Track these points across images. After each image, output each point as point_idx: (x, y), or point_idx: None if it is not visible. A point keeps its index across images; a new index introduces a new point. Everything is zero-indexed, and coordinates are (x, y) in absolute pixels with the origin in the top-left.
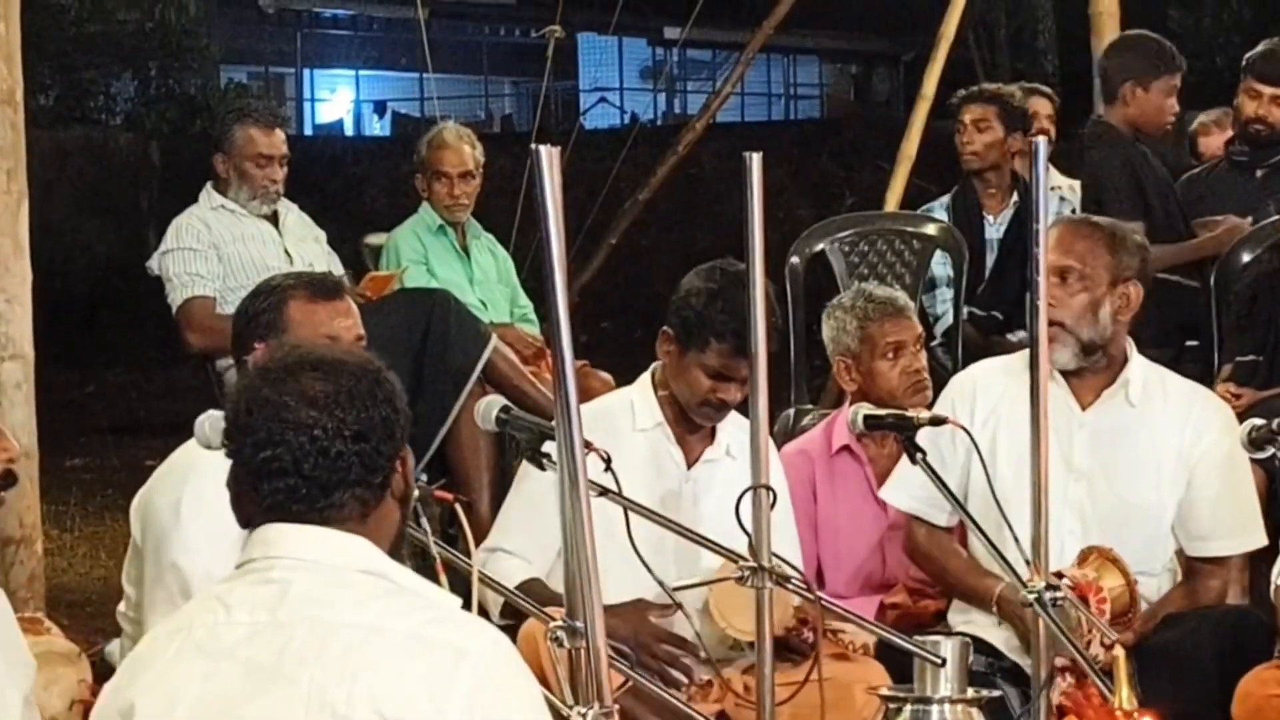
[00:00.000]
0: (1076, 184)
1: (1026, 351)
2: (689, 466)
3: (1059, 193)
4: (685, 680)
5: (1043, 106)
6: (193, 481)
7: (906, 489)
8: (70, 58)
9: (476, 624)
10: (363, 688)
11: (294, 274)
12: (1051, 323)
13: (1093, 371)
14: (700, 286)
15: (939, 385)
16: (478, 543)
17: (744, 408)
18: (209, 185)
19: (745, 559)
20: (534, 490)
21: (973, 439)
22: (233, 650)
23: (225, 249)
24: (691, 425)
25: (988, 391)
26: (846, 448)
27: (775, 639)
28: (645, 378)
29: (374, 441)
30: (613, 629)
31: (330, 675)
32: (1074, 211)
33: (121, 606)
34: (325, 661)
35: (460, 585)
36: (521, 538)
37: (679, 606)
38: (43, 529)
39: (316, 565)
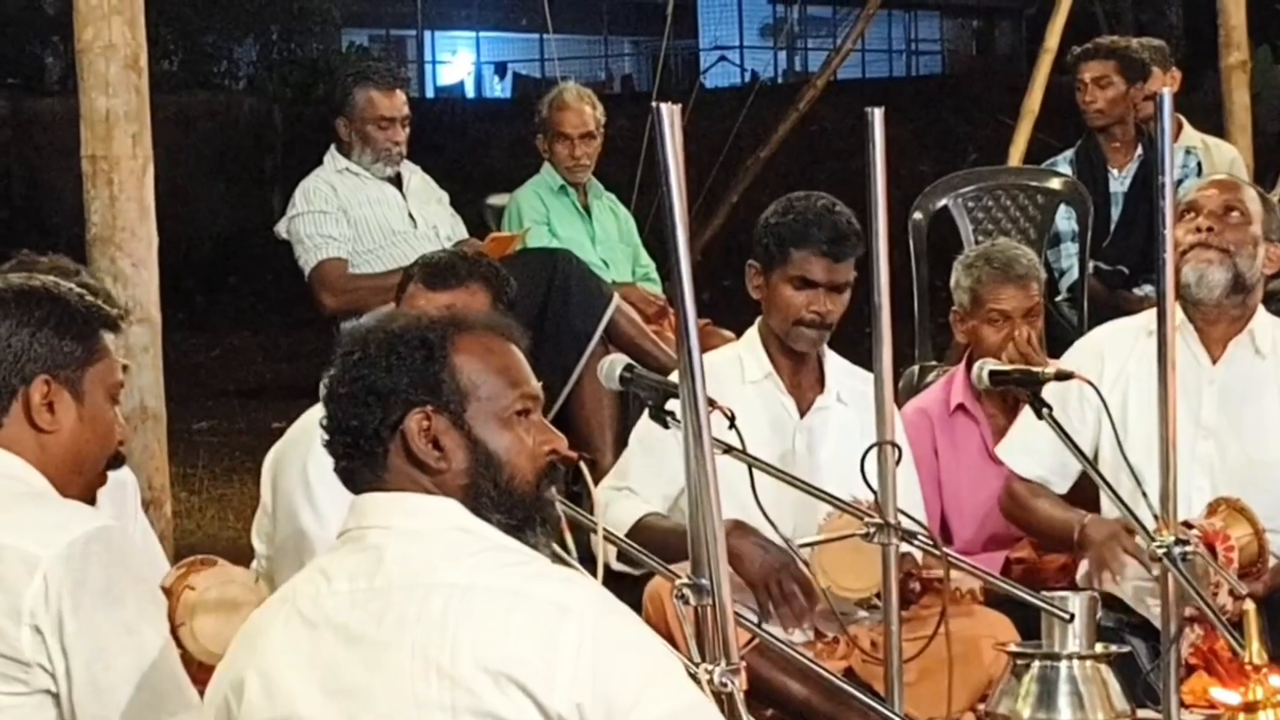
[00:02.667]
0: (1209, 140)
1: (1154, 310)
2: (801, 415)
3: (1188, 148)
4: (797, 624)
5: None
6: (318, 445)
7: (1031, 454)
8: (193, 23)
9: (574, 578)
10: (465, 644)
11: (427, 257)
12: (1212, 247)
13: (1227, 318)
14: (772, 210)
15: (1065, 339)
16: None
17: (865, 361)
18: (333, 149)
19: (868, 512)
20: (654, 438)
21: (1101, 396)
22: (334, 618)
23: (352, 212)
24: (802, 373)
25: (1116, 352)
26: (962, 406)
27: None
28: (752, 330)
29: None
30: (750, 555)
31: (432, 635)
32: (1200, 166)
33: (254, 564)
34: (426, 622)
35: (585, 542)
36: (642, 479)
37: (804, 563)
38: (171, 491)
39: (407, 530)
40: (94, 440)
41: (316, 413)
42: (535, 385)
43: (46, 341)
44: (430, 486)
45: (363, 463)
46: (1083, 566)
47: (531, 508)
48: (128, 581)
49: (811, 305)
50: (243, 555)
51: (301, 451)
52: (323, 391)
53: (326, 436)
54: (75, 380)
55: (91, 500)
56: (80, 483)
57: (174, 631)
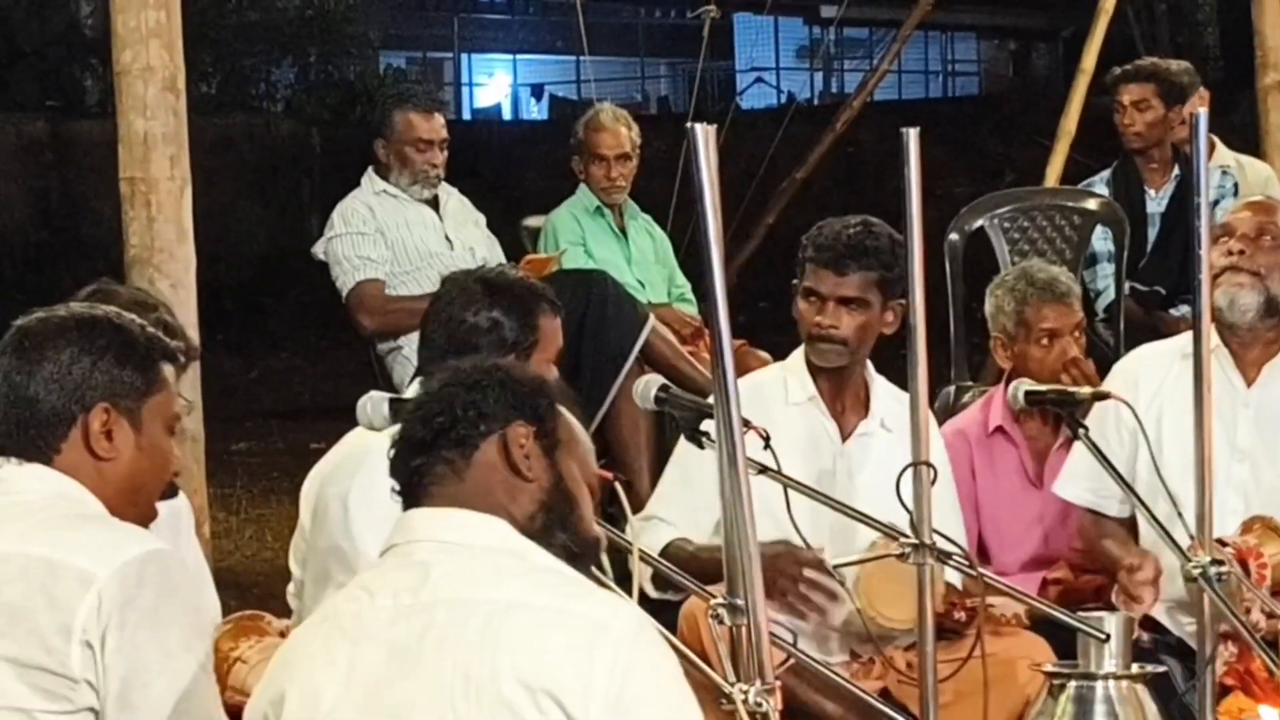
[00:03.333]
0: (1242, 159)
1: (1189, 332)
2: (843, 440)
3: (1223, 168)
4: (824, 609)
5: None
6: (362, 474)
7: (1077, 480)
8: (231, 45)
9: (615, 600)
10: (505, 660)
11: (530, 286)
12: (1244, 270)
13: (1262, 340)
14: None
15: (1102, 360)
16: None
17: (903, 382)
18: (370, 170)
19: (905, 535)
20: (691, 463)
21: (1137, 417)
22: (376, 634)
23: (390, 234)
24: (845, 396)
25: (1152, 375)
26: (1000, 429)
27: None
28: (798, 352)
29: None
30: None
31: (472, 651)
32: (1237, 187)
33: (290, 588)
34: (466, 638)
35: (621, 563)
36: (677, 508)
37: (841, 583)
38: (209, 512)
39: (456, 546)
40: (150, 470)
41: (358, 438)
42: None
43: (107, 370)
44: (502, 497)
45: (448, 454)
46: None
47: (591, 549)
48: (176, 607)
49: (816, 317)
50: (280, 575)
51: (344, 480)
52: (420, 399)
53: (413, 429)
54: (134, 410)
55: (146, 525)
56: (135, 512)
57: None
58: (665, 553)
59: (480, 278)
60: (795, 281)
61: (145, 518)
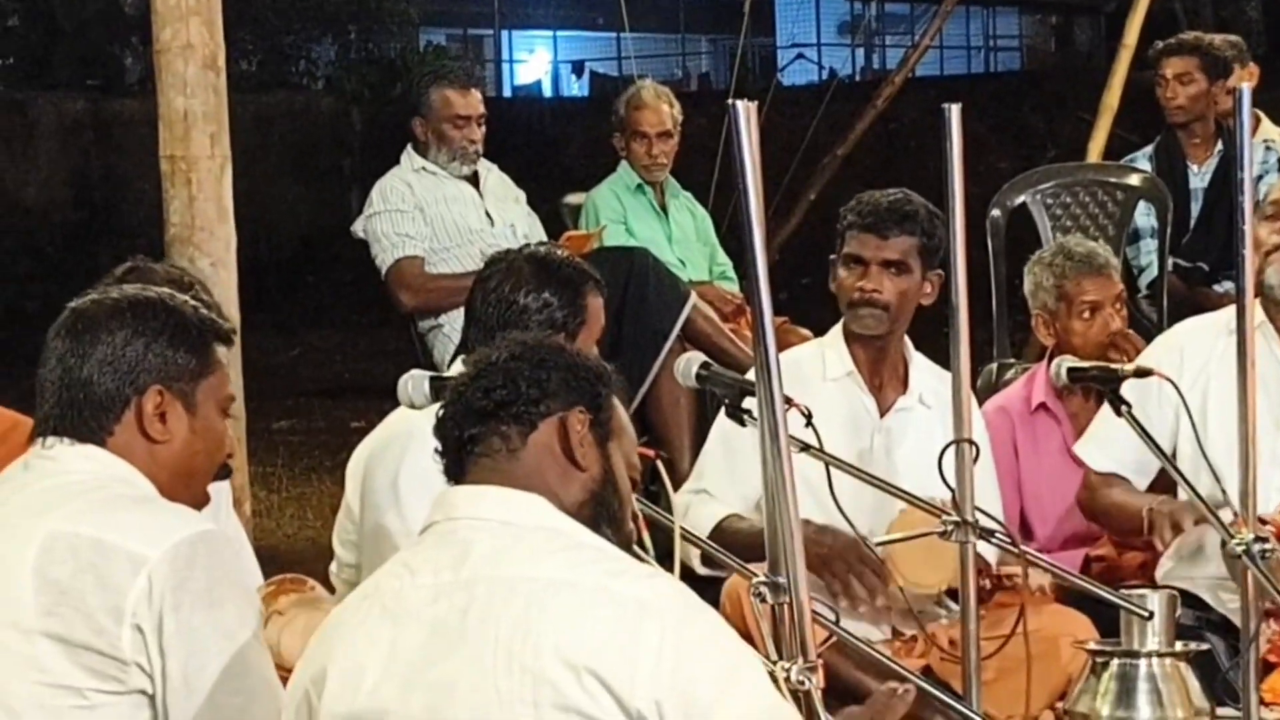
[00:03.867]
0: None
1: (1234, 307)
2: (882, 415)
3: (1266, 143)
4: (868, 597)
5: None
6: (410, 455)
7: (1107, 450)
8: (271, 22)
9: (657, 576)
10: (548, 638)
11: (578, 266)
12: None
13: None
14: None
15: (1145, 336)
16: None
17: (944, 360)
18: (409, 148)
19: (946, 511)
20: (733, 435)
21: (1180, 393)
22: (418, 611)
23: (429, 210)
24: (884, 371)
25: (1196, 349)
26: (1044, 405)
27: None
28: (837, 328)
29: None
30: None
31: (515, 630)
32: None
33: (333, 567)
34: (509, 617)
35: (663, 541)
36: (724, 481)
37: (880, 561)
38: (251, 490)
39: (498, 524)
40: (204, 452)
41: (402, 417)
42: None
43: (161, 352)
44: (552, 480)
45: (505, 429)
46: (1162, 565)
47: (628, 538)
48: (228, 586)
49: (859, 283)
50: (322, 554)
51: (393, 461)
52: (474, 362)
53: (472, 396)
54: (188, 392)
55: (201, 507)
56: (188, 494)
57: None
58: (719, 529)
59: (530, 256)
60: (833, 256)
61: (198, 500)
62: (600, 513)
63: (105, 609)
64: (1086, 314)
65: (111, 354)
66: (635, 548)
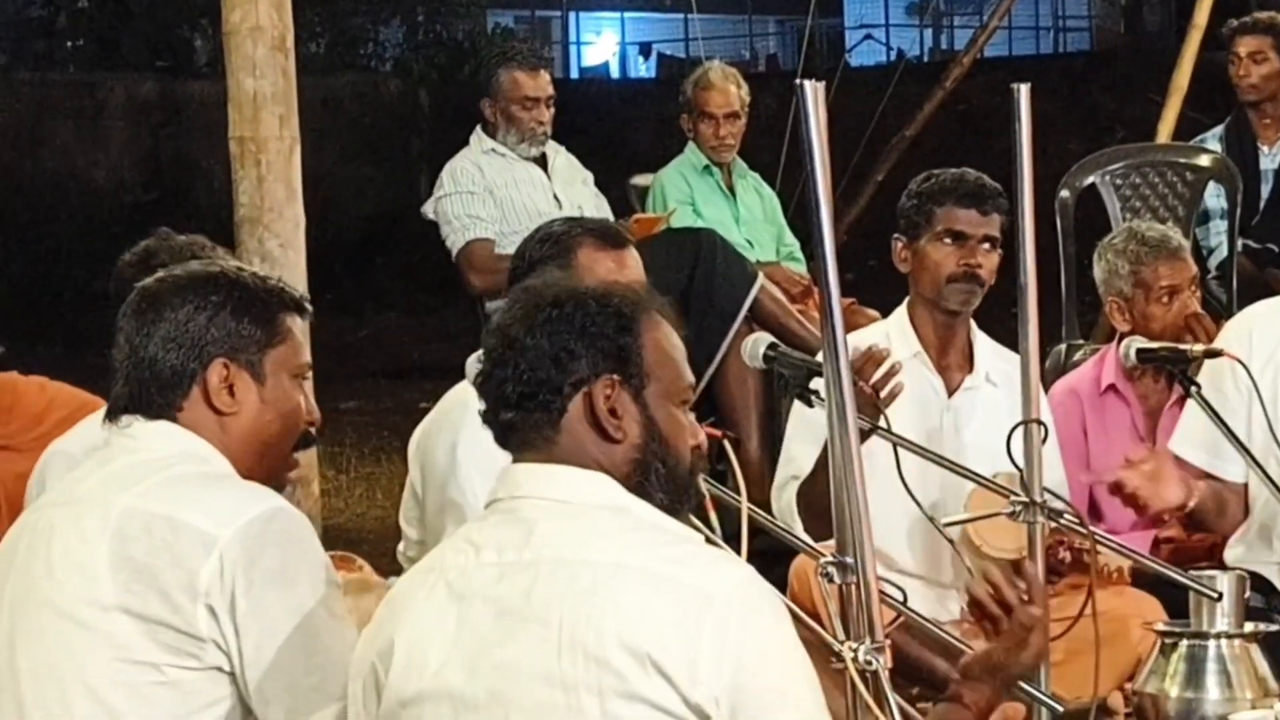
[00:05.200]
0: None
1: None
2: (950, 395)
3: None
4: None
5: None
6: (468, 423)
7: (1190, 439)
8: (339, 5)
9: (723, 562)
10: (611, 624)
11: (577, 220)
12: None
13: None
14: (912, 183)
15: (1214, 318)
16: (747, 479)
17: (1012, 341)
18: (478, 129)
19: (1014, 492)
20: (811, 416)
21: (1250, 375)
22: (482, 591)
23: (498, 192)
24: (950, 352)
25: (1268, 333)
26: (1113, 387)
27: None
28: (901, 308)
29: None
30: None
31: (578, 613)
32: None
33: (401, 546)
34: (573, 600)
35: (730, 520)
36: (806, 461)
37: (950, 541)
38: (319, 470)
39: (561, 504)
40: (276, 422)
41: (460, 391)
42: (692, 377)
43: (224, 324)
44: (597, 455)
45: (535, 418)
46: (1231, 548)
47: (687, 488)
48: (301, 563)
49: (963, 258)
50: (390, 534)
51: (450, 430)
52: (494, 341)
53: (496, 391)
54: (255, 362)
55: (281, 482)
56: (265, 465)
57: None
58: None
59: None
60: (899, 237)
61: (277, 471)
62: (651, 479)
63: (180, 586)
64: (1165, 299)
65: (175, 330)
66: (701, 526)
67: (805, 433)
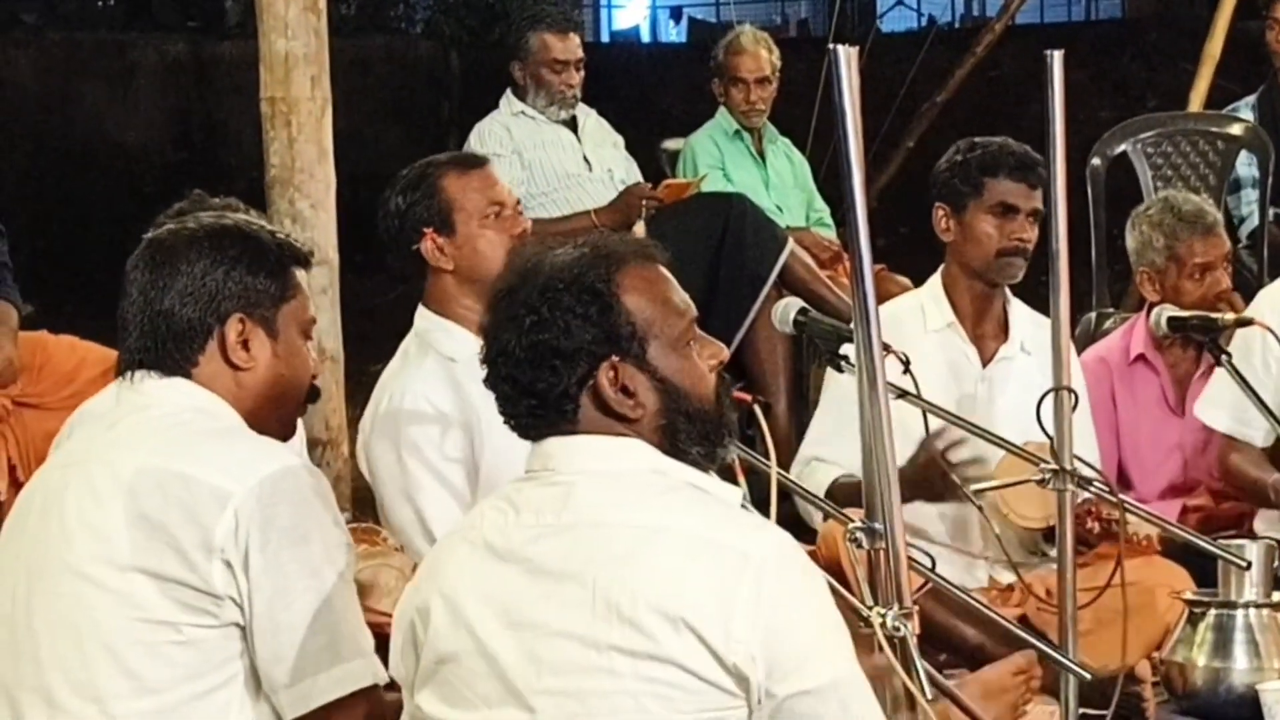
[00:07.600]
0: None
1: None
2: (984, 365)
3: None
4: None
5: None
6: (407, 435)
7: (1220, 406)
8: None
9: (758, 526)
10: (645, 587)
11: (425, 160)
12: None
13: None
14: (954, 150)
15: (1246, 287)
16: (776, 444)
17: (1044, 308)
18: (508, 92)
19: (1045, 460)
20: (843, 396)
21: None
22: (520, 551)
23: (527, 155)
24: (985, 322)
25: None
26: (1142, 356)
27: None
28: (935, 278)
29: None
30: None
31: (613, 575)
32: None
33: None
34: (609, 562)
35: (759, 486)
36: (835, 444)
37: (980, 508)
38: (348, 432)
39: (598, 472)
40: (289, 375)
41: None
42: (689, 301)
43: (240, 280)
44: (625, 432)
45: (552, 420)
46: (1261, 517)
47: (720, 424)
48: (315, 522)
49: (1015, 233)
50: None
51: (390, 438)
52: (487, 352)
53: (506, 400)
54: (270, 318)
55: (290, 433)
56: (277, 419)
57: None
58: (829, 493)
59: None
60: (942, 205)
61: (289, 424)
62: (681, 439)
63: (195, 543)
64: (1198, 275)
65: (191, 284)
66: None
67: (835, 412)
